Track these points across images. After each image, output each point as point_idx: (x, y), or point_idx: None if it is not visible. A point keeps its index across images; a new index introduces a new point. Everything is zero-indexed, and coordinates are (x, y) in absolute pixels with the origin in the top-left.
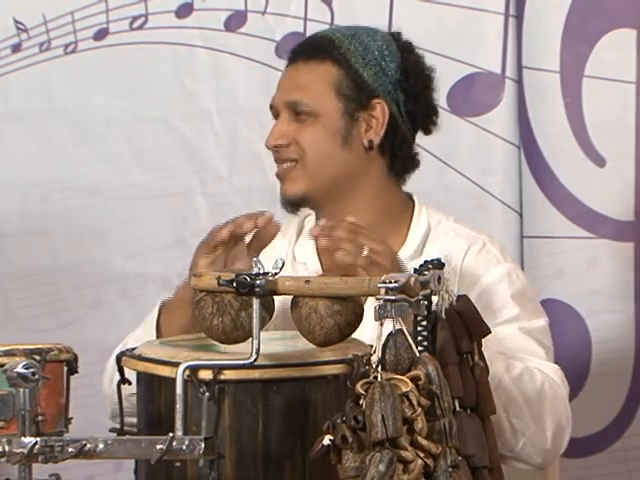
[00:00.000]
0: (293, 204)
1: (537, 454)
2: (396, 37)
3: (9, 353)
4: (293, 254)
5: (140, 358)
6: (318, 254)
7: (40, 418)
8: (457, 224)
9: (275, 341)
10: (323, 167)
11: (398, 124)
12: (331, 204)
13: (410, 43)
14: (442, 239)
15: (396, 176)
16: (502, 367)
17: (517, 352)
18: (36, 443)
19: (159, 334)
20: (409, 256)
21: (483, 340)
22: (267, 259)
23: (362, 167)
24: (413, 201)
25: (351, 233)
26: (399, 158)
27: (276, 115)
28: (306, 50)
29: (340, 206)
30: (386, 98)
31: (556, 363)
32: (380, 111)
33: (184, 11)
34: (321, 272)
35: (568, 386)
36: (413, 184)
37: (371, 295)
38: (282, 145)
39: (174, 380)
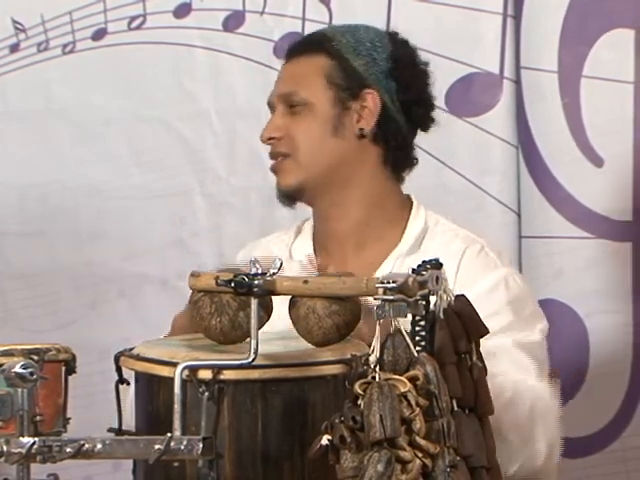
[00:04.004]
0: (288, 197)
1: (531, 473)
2: (391, 34)
3: (7, 353)
4: (290, 252)
5: (139, 358)
6: (314, 251)
7: (38, 418)
8: (455, 225)
9: (274, 341)
10: (315, 157)
11: (391, 114)
12: (326, 196)
13: (405, 40)
14: (440, 237)
15: (392, 169)
16: (492, 393)
17: (508, 368)
18: (34, 443)
19: None
20: (406, 252)
21: None
22: (265, 259)
23: (355, 156)
24: (412, 202)
25: None
26: (393, 148)
27: (273, 111)
28: (300, 46)
29: (336, 198)
30: (377, 87)
31: (553, 371)
32: (371, 101)
33: (182, 11)
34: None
35: (558, 401)
36: (411, 184)
37: (369, 295)
38: (275, 138)
39: (173, 380)
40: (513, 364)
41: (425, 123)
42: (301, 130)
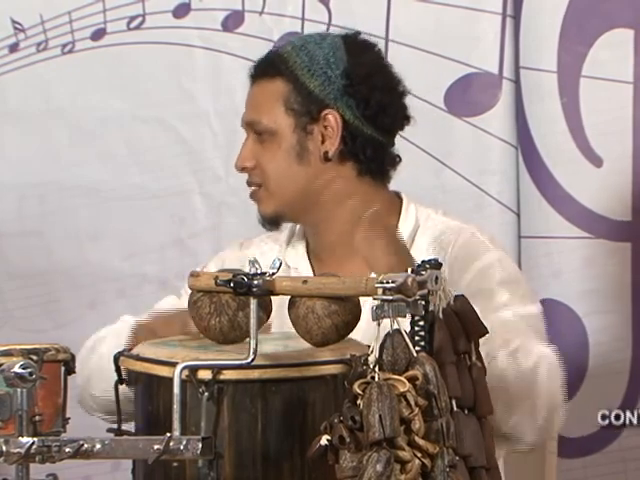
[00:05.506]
0: (270, 222)
1: (529, 432)
2: (348, 40)
3: (6, 353)
4: (285, 260)
5: (138, 358)
6: (309, 258)
7: (37, 418)
8: (446, 217)
9: (273, 341)
10: (284, 186)
11: (355, 129)
12: (308, 216)
13: (363, 43)
14: (431, 231)
15: (372, 179)
16: (498, 342)
17: (515, 331)
18: (33, 443)
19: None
20: None
21: None
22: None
23: (326, 179)
24: (401, 199)
25: None
26: (366, 161)
27: (247, 133)
28: (259, 68)
29: (319, 216)
30: (336, 106)
31: None
32: (333, 121)
33: (181, 11)
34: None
35: (562, 369)
36: (410, 184)
37: (368, 295)
38: (248, 168)
39: (172, 380)
40: (518, 329)
41: (397, 127)
42: (268, 160)
